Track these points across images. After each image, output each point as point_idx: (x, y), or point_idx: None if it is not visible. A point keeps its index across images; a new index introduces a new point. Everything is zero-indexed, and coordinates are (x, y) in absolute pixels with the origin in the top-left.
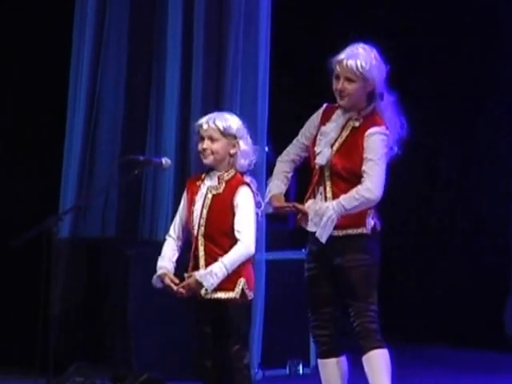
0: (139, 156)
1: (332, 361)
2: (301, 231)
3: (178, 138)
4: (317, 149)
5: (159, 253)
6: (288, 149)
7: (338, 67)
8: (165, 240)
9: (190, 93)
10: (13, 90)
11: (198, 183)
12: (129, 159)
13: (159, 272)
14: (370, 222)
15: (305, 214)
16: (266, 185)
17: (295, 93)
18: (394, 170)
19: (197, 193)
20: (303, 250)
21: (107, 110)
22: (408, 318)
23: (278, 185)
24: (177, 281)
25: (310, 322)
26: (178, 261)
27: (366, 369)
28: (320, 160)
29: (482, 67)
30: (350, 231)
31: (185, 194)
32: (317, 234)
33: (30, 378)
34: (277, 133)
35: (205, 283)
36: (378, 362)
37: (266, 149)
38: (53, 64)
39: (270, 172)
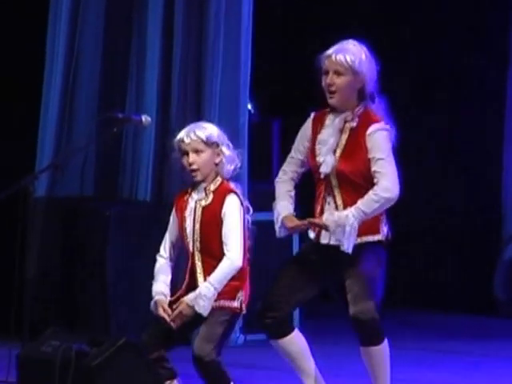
0: (118, 113)
1: (282, 341)
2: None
3: (158, 95)
4: (319, 159)
5: (139, 213)
6: (284, 167)
7: (326, 62)
8: (155, 261)
9: (172, 50)
10: None
11: (185, 198)
12: (107, 117)
13: (155, 298)
14: (384, 229)
15: (323, 228)
16: (249, 149)
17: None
18: None
19: (186, 208)
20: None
21: (86, 67)
22: (398, 284)
23: (285, 206)
24: (170, 311)
25: (262, 301)
26: (171, 282)
27: (365, 362)
28: (325, 169)
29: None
30: (364, 238)
31: (173, 212)
32: (342, 247)
33: (4, 344)
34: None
35: (196, 307)
36: (377, 359)
37: (249, 106)
38: (30, 19)
39: (253, 131)
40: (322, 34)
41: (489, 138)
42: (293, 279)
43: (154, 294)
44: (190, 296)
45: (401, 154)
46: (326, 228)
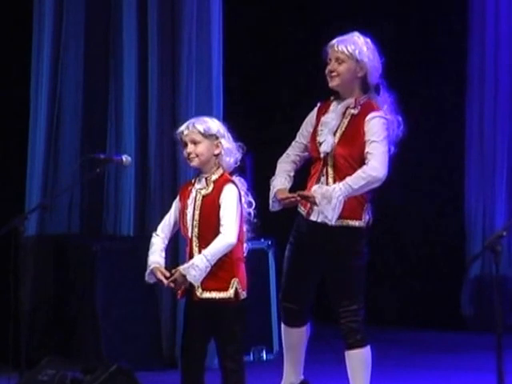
0: (100, 154)
1: (296, 330)
2: (262, 221)
3: (137, 135)
4: (320, 138)
5: (124, 247)
6: (287, 151)
7: (329, 51)
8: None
9: (147, 91)
10: None
11: (189, 188)
12: (90, 158)
13: (152, 267)
14: (366, 216)
15: (311, 200)
16: None
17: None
18: None
19: (188, 197)
20: (262, 240)
21: (68, 111)
22: (370, 301)
23: (281, 181)
24: (167, 274)
25: (281, 292)
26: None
27: (347, 365)
28: (325, 148)
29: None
30: (344, 222)
31: (177, 200)
32: (325, 218)
33: (3, 374)
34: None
35: (188, 276)
36: (357, 361)
37: None
38: (14, 66)
39: None
40: (293, 67)
41: (452, 157)
42: (303, 269)
43: (150, 263)
44: (185, 265)
45: None
46: (314, 199)
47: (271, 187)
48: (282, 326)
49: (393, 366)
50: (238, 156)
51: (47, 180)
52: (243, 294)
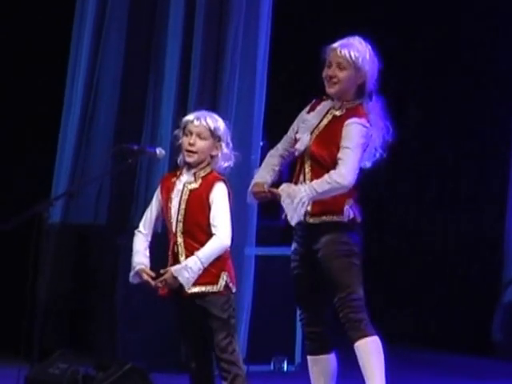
0: (133, 145)
1: (321, 358)
2: (291, 228)
3: (173, 128)
4: (297, 135)
5: (149, 244)
6: (277, 145)
7: (331, 54)
8: (134, 235)
9: (188, 85)
10: (12, 77)
11: (173, 180)
12: (123, 148)
13: (137, 268)
14: (349, 211)
15: (277, 198)
16: None
17: (291, 88)
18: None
19: (173, 189)
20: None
21: (104, 99)
22: (396, 323)
23: (261, 175)
24: (153, 274)
25: (300, 319)
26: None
27: (358, 359)
28: (299, 146)
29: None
30: (324, 218)
31: (158, 192)
32: (288, 217)
33: (14, 364)
34: (273, 129)
35: (180, 278)
36: (366, 351)
37: (261, 143)
38: (52, 53)
39: None
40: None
41: (492, 178)
42: (312, 285)
43: (134, 264)
44: (176, 266)
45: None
46: (279, 197)
47: (252, 180)
48: (308, 356)
49: None
50: (231, 163)
51: (76, 168)
52: (233, 288)
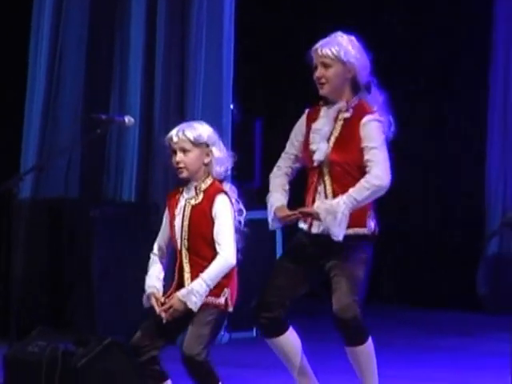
0: (101, 114)
1: (278, 339)
2: (267, 190)
3: (142, 96)
4: (313, 146)
5: (124, 214)
6: (278, 164)
7: (314, 56)
8: (149, 258)
9: (154, 50)
10: None
11: (177, 197)
12: (91, 118)
13: (148, 291)
14: (371, 224)
15: (315, 217)
16: (232, 149)
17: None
18: None
19: (176, 206)
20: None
21: (69, 68)
22: (382, 284)
23: (277, 198)
24: (162, 300)
25: (257, 303)
26: (164, 279)
27: (352, 362)
28: (318, 156)
29: None
30: (350, 231)
31: (166, 211)
32: (333, 235)
33: None
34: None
35: (188, 303)
36: (363, 358)
37: (232, 106)
38: (14, 20)
39: (235, 131)
40: (304, 34)
41: (471, 135)
42: (286, 277)
43: (146, 287)
44: (183, 291)
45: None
46: (318, 216)
47: (268, 205)
48: (266, 340)
49: (403, 345)
50: (229, 165)
51: (44, 141)
52: (230, 308)
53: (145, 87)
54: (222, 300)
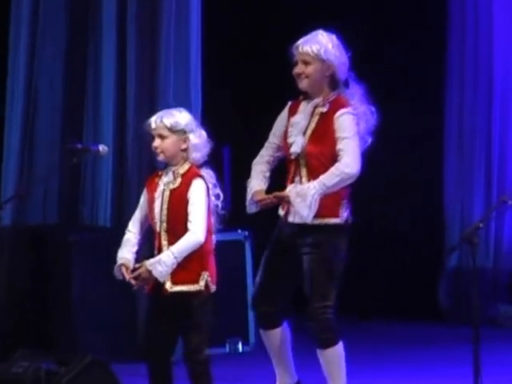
0: (77, 144)
1: (273, 331)
2: (238, 213)
3: (115, 125)
4: (290, 139)
5: (100, 238)
6: (261, 152)
7: (295, 53)
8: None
9: (126, 81)
10: None
11: (156, 180)
12: (67, 147)
13: (119, 262)
14: (343, 213)
15: (286, 200)
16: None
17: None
18: None
19: (156, 190)
20: (239, 231)
21: (45, 99)
22: (344, 294)
23: (257, 183)
24: (131, 268)
25: (255, 295)
26: (137, 253)
27: (322, 363)
28: (295, 149)
29: None
30: (323, 220)
31: (144, 192)
32: (301, 217)
33: None
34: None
35: (154, 271)
36: (332, 359)
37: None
38: None
39: None
40: (274, 56)
41: (430, 150)
42: (280, 269)
43: (118, 259)
44: (151, 260)
45: None
46: (288, 199)
47: (248, 189)
48: (260, 330)
49: (367, 357)
50: (206, 151)
51: (23, 169)
52: (213, 288)
53: (117, 117)
54: (202, 284)
